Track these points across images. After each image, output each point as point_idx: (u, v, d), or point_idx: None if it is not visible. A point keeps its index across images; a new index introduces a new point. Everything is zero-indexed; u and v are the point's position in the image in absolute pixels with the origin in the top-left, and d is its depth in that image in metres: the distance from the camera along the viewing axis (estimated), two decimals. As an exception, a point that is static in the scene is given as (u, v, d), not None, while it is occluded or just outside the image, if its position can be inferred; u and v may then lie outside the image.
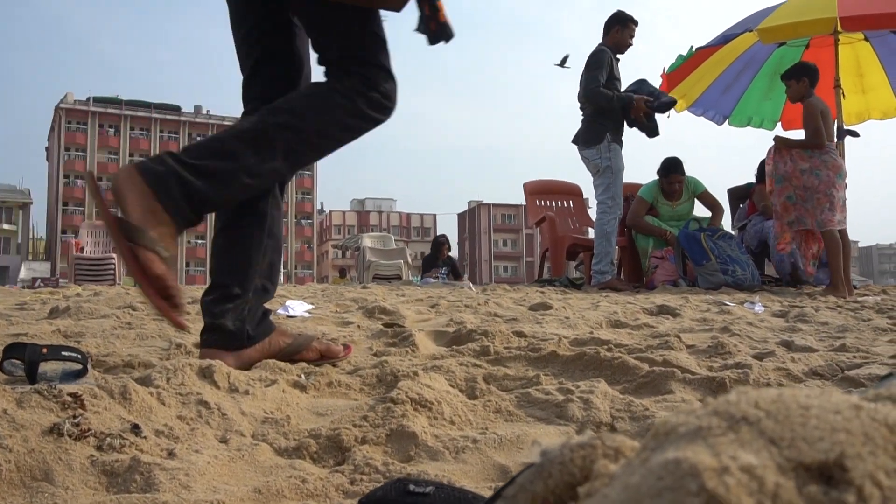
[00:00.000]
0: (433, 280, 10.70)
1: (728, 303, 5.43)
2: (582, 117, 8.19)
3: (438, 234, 13.65)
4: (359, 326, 3.69)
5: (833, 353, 2.68)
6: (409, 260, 14.75)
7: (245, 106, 2.03)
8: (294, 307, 4.56)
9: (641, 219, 8.44)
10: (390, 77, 1.89)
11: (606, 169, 7.92)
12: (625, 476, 0.36)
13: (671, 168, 8.49)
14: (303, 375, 2.10)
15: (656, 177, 8.67)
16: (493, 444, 1.54)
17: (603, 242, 8.01)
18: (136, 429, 1.41)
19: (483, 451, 1.51)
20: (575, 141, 8.22)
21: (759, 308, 5.07)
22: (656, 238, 8.50)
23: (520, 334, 3.22)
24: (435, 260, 12.76)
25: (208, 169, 1.74)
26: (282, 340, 2.18)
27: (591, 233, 9.56)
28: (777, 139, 7.15)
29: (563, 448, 0.45)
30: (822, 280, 7.85)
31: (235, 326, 2.09)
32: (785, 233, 7.13)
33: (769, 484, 0.31)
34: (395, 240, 17.05)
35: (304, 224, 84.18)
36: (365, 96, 1.85)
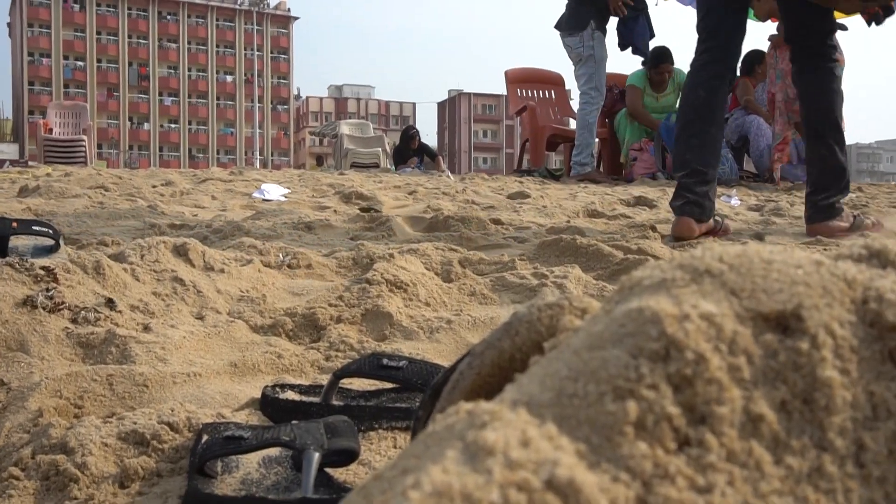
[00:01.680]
0: (410, 169, 10.64)
1: (705, 196, 5.46)
2: (567, 1, 7.96)
3: (408, 125, 13.48)
4: (335, 211, 3.69)
5: (804, 247, 2.73)
6: (388, 148, 14.59)
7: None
8: (270, 191, 4.54)
9: (641, 109, 8.34)
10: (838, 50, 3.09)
11: (589, 58, 7.77)
12: (588, 326, 0.37)
13: (662, 58, 8.34)
14: (280, 255, 2.11)
15: (641, 67, 8.54)
16: (467, 325, 1.57)
17: (584, 133, 7.95)
18: (110, 303, 1.42)
19: (457, 332, 1.54)
20: (558, 26, 8.01)
21: (735, 202, 5.12)
22: (634, 129, 8.45)
23: (497, 221, 3.23)
24: (406, 151, 12.63)
25: None
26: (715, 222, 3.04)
27: (573, 124, 9.47)
28: (774, 36, 7.05)
29: (530, 307, 0.46)
30: (799, 177, 7.91)
31: (708, 203, 2.95)
32: (786, 131, 7.12)
33: (727, 331, 0.32)
34: (374, 128, 16.81)
35: (281, 110, 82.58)
36: (838, 69, 3.04)
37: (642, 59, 8.51)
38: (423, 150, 12.84)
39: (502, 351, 0.44)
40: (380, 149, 14.27)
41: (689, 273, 0.35)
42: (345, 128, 15.53)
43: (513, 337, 0.44)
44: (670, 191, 5.85)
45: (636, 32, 8.23)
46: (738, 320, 0.33)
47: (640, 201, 4.70)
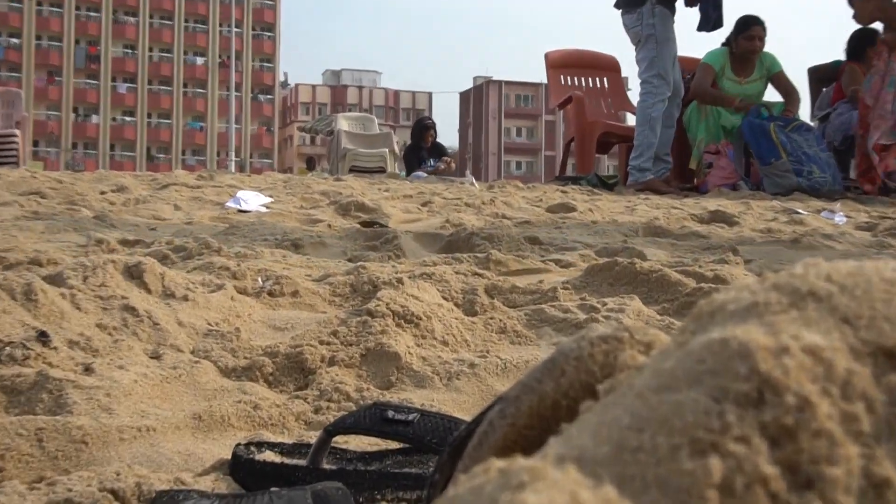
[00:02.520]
0: (424, 175, 10.68)
1: (801, 211, 5.46)
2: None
3: (422, 116, 13.58)
4: (329, 225, 3.71)
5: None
6: (397, 148, 14.70)
7: None
8: (247, 200, 4.57)
9: (708, 88, 8.32)
10: None
11: (649, 38, 7.79)
12: (656, 363, 0.36)
13: (751, 21, 8.34)
14: (259, 280, 2.12)
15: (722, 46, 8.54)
16: (496, 369, 1.56)
17: (645, 131, 7.96)
18: (43, 337, 1.43)
19: (482, 378, 1.53)
20: (616, 4, 8.07)
21: (839, 219, 5.10)
22: (709, 127, 8.44)
23: (533, 240, 3.23)
24: (418, 150, 12.70)
25: None
26: None
27: (631, 119, 9.49)
28: (888, 37, 7.10)
29: (580, 341, 0.45)
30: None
31: None
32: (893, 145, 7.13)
33: (839, 369, 0.31)
34: (379, 123, 16.94)
35: (263, 100, 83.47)
36: None
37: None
38: (439, 152, 12.92)
39: (543, 396, 0.44)
40: (386, 149, 14.38)
41: (788, 295, 0.35)
42: (343, 123, 15.66)
43: (557, 378, 0.43)
44: (756, 204, 5.83)
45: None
46: (853, 356, 0.32)
47: (717, 217, 4.69)
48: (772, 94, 8.71)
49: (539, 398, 0.43)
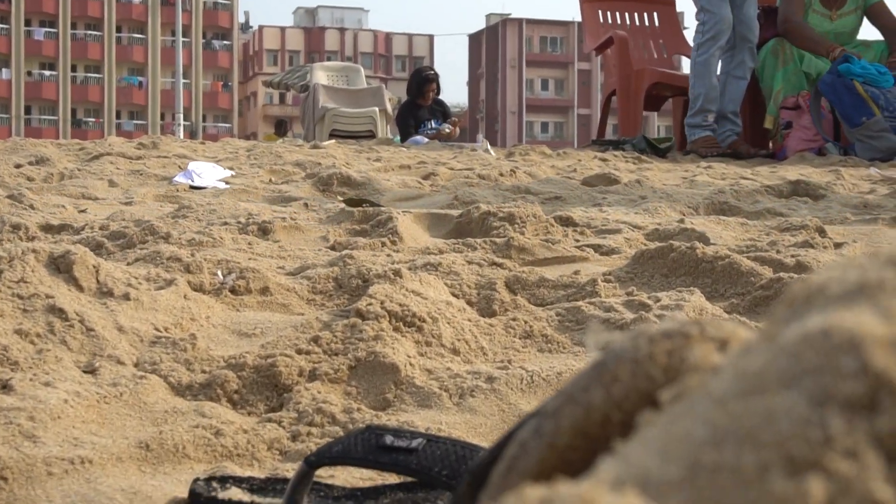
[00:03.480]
0: (425, 141, 10.67)
1: (904, 181, 5.44)
2: None
3: (421, 66, 13.49)
4: (307, 205, 3.72)
5: None
6: (389, 107, 14.68)
7: None
8: (202, 173, 4.58)
9: (800, 21, 8.27)
10: None
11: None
12: (738, 362, 0.36)
13: None
14: (219, 274, 2.12)
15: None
16: (520, 383, 1.57)
17: (703, 81, 7.97)
18: (-51, 347, 1.43)
19: (502, 395, 1.54)
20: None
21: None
22: (788, 75, 8.40)
23: (566, 221, 3.23)
24: (416, 109, 12.67)
25: None
26: None
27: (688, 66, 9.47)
28: None
29: (636, 339, 0.45)
30: None
31: None
32: None
33: (973, 365, 0.31)
34: (367, 75, 16.93)
35: (219, 48, 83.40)
36: None
37: None
38: (442, 110, 12.89)
39: (591, 408, 0.44)
40: (376, 108, 14.35)
41: (908, 272, 0.34)
42: (321, 75, 15.65)
43: (608, 385, 0.43)
44: (847, 172, 5.82)
45: None
46: None
47: (799, 189, 4.68)
48: (867, 32, 8.68)
49: (585, 411, 0.43)
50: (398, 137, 12.79)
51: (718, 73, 8.21)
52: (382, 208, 3.40)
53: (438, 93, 12.98)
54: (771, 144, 8.58)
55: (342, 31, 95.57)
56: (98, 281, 1.87)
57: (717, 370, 0.37)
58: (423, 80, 12.77)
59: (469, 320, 1.86)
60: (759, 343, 0.36)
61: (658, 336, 0.43)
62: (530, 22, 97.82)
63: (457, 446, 1.07)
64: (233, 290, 2.07)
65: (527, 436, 0.45)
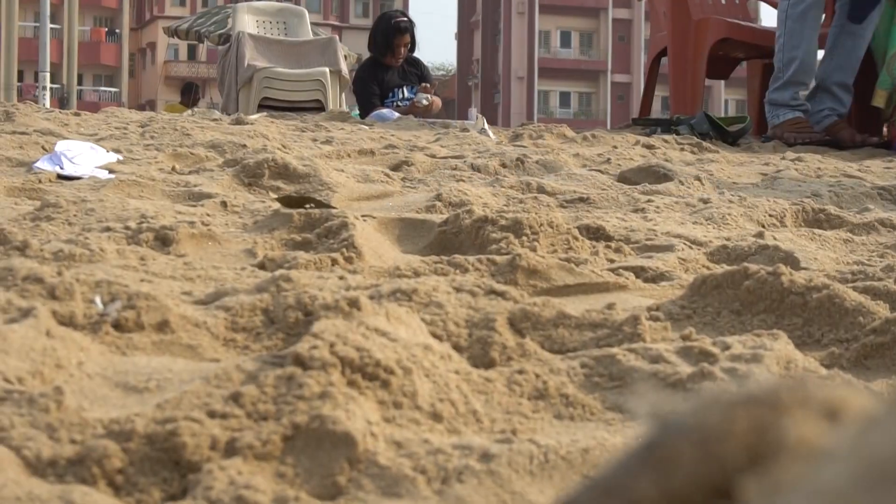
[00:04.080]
0: (395, 116, 10.65)
1: None
2: None
3: (389, 11, 13.45)
4: (225, 204, 3.70)
5: None
6: (345, 68, 14.69)
7: None
8: (74, 157, 4.56)
9: None
10: None
11: None
12: (861, 443, 0.35)
13: None
14: (98, 300, 2.11)
15: None
16: (529, 464, 1.56)
17: (796, 40, 7.99)
18: None
19: (504, 481, 1.53)
20: None
21: None
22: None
23: (595, 233, 3.23)
24: (380, 70, 12.64)
25: None
26: None
27: (770, 17, 9.50)
28: None
29: (706, 407, 0.45)
30: None
31: None
32: None
33: None
34: (313, 22, 16.93)
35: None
36: None
37: None
38: (419, 72, 12.88)
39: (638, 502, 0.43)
40: (326, 69, 14.37)
41: None
42: (247, 21, 15.68)
43: (663, 474, 0.43)
44: None
45: None
46: None
47: (926, 193, 4.70)
48: None
49: (632, 508, 0.42)
50: (357, 111, 12.79)
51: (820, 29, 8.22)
52: (333, 210, 3.39)
53: (413, 49, 12.97)
54: (886, 130, 8.62)
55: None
56: (-78, 309, 1.86)
57: (828, 454, 0.36)
58: (391, 31, 12.74)
59: (456, 372, 1.85)
60: (888, 416, 0.36)
61: (737, 403, 0.43)
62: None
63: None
64: (117, 325, 2.05)
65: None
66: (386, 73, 12.63)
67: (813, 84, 8.14)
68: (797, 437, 0.41)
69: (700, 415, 0.45)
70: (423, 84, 12.43)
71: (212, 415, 1.61)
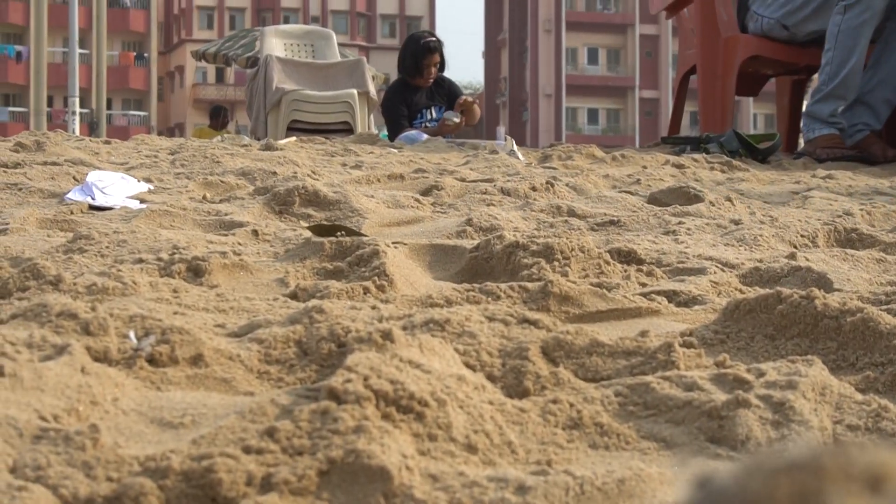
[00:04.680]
0: (423, 137, 10.63)
1: None
2: None
3: (418, 32, 13.39)
4: (256, 233, 3.70)
5: None
6: (373, 89, 14.70)
7: None
8: (106, 187, 4.57)
9: None
10: None
11: None
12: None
13: None
14: (132, 335, 2.11)
15: None
16: (565, 496, 1.56)
17: (846, 54, 7.95)
18: None
19: (541, 513, 1.52)
20: None
21: None
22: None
23: (627, 257, 3.23)
24: (408, 91, 12.60)
25: None
26: None
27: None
28: None
29: (749, 475, 0.45)
30: None
31: None
32: None
33: None
34: (341, 43, 16.94)
35: (131, 4, 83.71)
36: None
37: None
38: (449, 91, 12.85)
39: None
40: (354, 91, 14.38)
41: None
42: (275, 44, 15.70)
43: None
44: None
45: None
46: None
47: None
48: None
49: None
50: (385, 132, 12.77)
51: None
52: (364, 238, 3.39)
53: (443, 69, 12.93)
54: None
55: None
56: (-43, 348, 1.86)
57: (870, 528, 0.37)
58: (420, 51, 12.68)
59: (490, 403, 1.84)
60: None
61: (779, 470, 0.43)
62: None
63: None
64: (151, 360, 2.05)
65: None
66: (414, 94, 12.60)
67: (852, 96, 8.10)
68: (837, 509, 0.41)
69: (742, 481, 0.45)
70: (462, 98, 12.35)
71: (247, 450, 1.61)
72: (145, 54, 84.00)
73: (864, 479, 0.42)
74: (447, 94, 12.72)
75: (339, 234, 3.50)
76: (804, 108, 8.41)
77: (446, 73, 13.08)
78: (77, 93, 29.79)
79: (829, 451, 0.44)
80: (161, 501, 1.53)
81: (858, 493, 0.41)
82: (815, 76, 9.01)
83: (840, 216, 4.40)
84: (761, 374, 2.00)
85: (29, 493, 1.48)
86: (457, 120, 11.92)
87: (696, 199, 4.89)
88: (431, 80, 12.58)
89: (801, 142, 8.32)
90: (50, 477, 1.57)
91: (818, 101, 8.10)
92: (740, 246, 3.71)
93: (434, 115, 12.40)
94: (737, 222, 4.25)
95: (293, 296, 2.82)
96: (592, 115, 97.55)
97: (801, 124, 8.46)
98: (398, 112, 12.53)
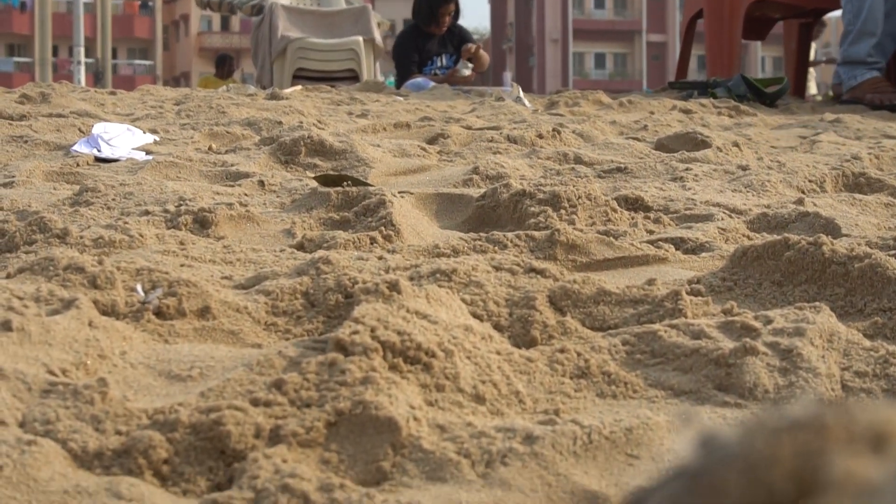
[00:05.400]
0: (431, 85, 10.57)
1: None
2: None
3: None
4: (262, 183, 3.69)
5: None
6: (378, 36, 14.64)
7: None
8: (112, 139, 4.56)
9: None
10: None
11: None
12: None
13: None
14: (139, 288, 2.11)
15: None
16: (573, 445, 1.56)
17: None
18: None
19: (549, 463, 1.53)
20: None
21: None
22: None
23: (634, 204, 3.22)
24: (421, 37, 12.54)
25: None
26: None
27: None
28: None
29: (751, 433, 0.45)
30: None
31: None
32: None
33: None
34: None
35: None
36: None
37: None
38: (461, 37, 12.81)
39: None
40: (360, 38, 14.32)
41: None
42: (280, -9, 15.61)
43: (711, 500, 0.43)
44: None
45: None
46: None
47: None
48: None
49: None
50: (391, 79, 12.73)
51: None
52: (371, 188, 3.38)
53: (457, 18, 12.86)
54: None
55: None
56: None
57: (873, 492, 0.36)
58: (431, 4, 12.60)
59: (498, 353, 1.84)
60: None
61: (782, 430, 0.43)
62: None
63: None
64: (158, 313, 2.05)
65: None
66: (427, 41, 12.59)
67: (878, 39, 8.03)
68: (843, 470, 0.41)
69: (745, 441, 0.45)
70: (467, 46, 12.31)
71: (255, 402, 1.61)
72: (150, 3, 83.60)
73: (867, 438, 0.42)
74: (458, 41, 12.70)
75: (345, 183, 3.49)
76: (839, 56, 8.31)
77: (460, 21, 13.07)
78: (82, 42, 29.70)
79: (831, 409, 0.44)
80: (170, 454, 1.53)
81: (861, 452, 0.41)
82: (824, 18, 8.98)
83: (848, 160, 4.38)
84: (769, 321, 2.00)
85: (38, 447, 1.49)
86: (467, 72, 11.91)
87: (704, 144, 4.88)
88: (445, 29, 12.57)
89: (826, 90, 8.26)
90: (59, 431, 1.57)
91: (851, 44, 8.03)
92: (748, 192, 3.70)
93: (445, 62, 12.38)
94: (744, 168, 4.24)
95: (300, 247, 2.82)
96: (599, 60, 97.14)
97: (838, 72, 8.38)
98: (409, 58, 12.52)
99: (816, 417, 0.45)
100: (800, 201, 3.40)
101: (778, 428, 0.45)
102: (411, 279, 2.19)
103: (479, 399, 1.73)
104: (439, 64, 12.37)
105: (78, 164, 4.26)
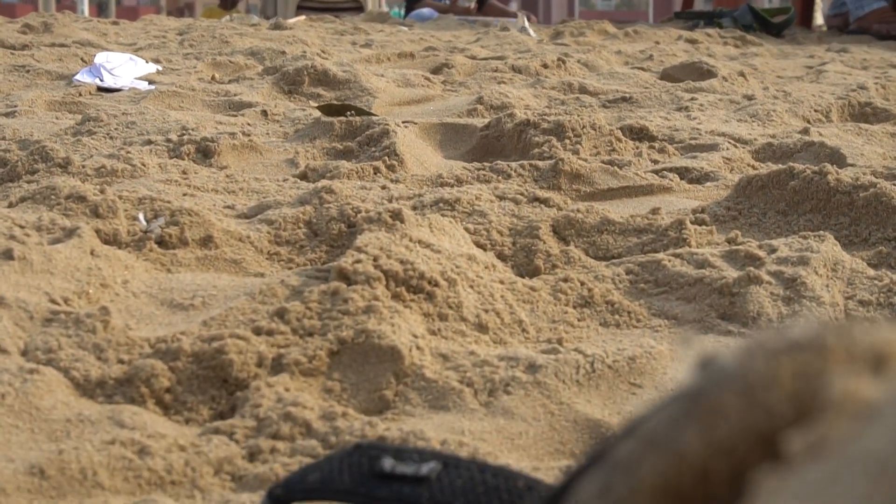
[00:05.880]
0: (435, 16, 10.55)
1: None
2: None
3: None
4: (265, 113, 3.68)
5: None
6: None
7: None
8: (114, 69, 4.55)
9: None
10: None
11: None
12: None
13: None
14: (141, 217, 2.11)
15: None
16: (576, 374, 1.56)
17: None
18: None
19: (552, 392, 1.53)
20: None
21: None
22: None
23: (639, 133, 3.22)
24: None
25: None
26: None
27: None
28: None
29: (751, 356, 0.45)
30: None
31: None
32: None
33: None
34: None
35: None
36: None
37: None
38: None
39: (683, 457, 0.43)
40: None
41: None
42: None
43: (710, 426, 0.43)
44: None
45: None
46: None
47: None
48: None
49: (675, 463, 0.42)
50: (395, 10, 12.70)
51: None
52: (374, 118, 3.38)
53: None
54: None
55: None
56: (-35, 231, 1.86)
57: (872, 412, 0.36)
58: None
59: (501, 282, 1.85)
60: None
61: (781, 350, 0.42)
62: None
63: (486, 473, 1.06)
64: (161, 242, 2.05)
65: (589, 498, 0.44)
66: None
67: None
68: (843, 390, 0.41)
69: (744, 362, 0.45)
70: None
71: (258, 331, 1.61)
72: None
73: (867, 359, 0.42)
74: None
75: (348, 113, 3.48)
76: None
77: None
78: (84, -26, 29.49)
79: (832, 330, 0.44)
80: (172, 383, 1.54)
81: (861, 373, 0.41)
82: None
83: (854, 90, 4.36)
84: (773, 250, 2.00)
85: (40, 375, 1.49)
86: (468, 5, 11.91)
87: (709, 74, 4.86)
88: None
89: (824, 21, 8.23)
90: (61, 360, 1.57)
91: None
92: (753, 121, 3.69)
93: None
94: (750, 98, 4.23)
95: (303, 176, 2.82)
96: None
97: (847, 1, 8.35)
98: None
99: (816, 339, 0.44)
100: (805, 131, 3.39)
101: (777, 349, 0.45)
102: (414, 208, 2.19)
103: (482, 328, 1.73)
104: None
105: (80, 94, 4.25)
